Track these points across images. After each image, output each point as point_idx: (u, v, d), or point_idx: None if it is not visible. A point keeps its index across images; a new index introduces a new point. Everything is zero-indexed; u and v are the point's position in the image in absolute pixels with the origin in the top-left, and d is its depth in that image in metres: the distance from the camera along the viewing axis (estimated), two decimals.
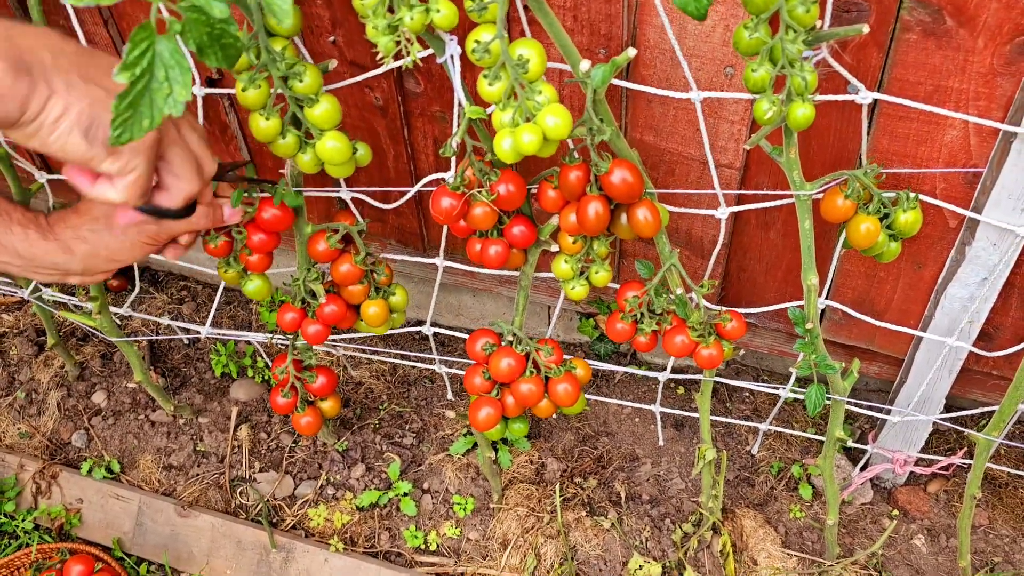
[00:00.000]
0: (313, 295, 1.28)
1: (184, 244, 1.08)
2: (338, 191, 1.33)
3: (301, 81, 1.00)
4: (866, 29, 0.88)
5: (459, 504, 1.61)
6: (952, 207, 1.13)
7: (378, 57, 0.94)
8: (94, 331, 1.96)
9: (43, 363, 1.91)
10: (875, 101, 1.07)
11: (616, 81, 1.08)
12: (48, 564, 1.63)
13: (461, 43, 0.99)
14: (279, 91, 1.03)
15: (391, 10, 0.89)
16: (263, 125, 1.04)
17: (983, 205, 1.09)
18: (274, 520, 1.66)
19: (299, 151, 1.09)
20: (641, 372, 1.47)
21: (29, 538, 1.69)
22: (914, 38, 1.05)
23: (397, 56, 0.93)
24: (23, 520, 1.71)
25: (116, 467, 1.75)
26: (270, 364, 1.86)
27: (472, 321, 1.90)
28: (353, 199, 1.44)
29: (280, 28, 0.96)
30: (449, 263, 1.39)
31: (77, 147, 0.81)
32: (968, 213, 1.12)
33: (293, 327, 1.31)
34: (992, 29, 1.00)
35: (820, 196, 1.12)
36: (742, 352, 1.57)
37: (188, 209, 0.99)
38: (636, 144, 1.30)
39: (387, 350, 1.86)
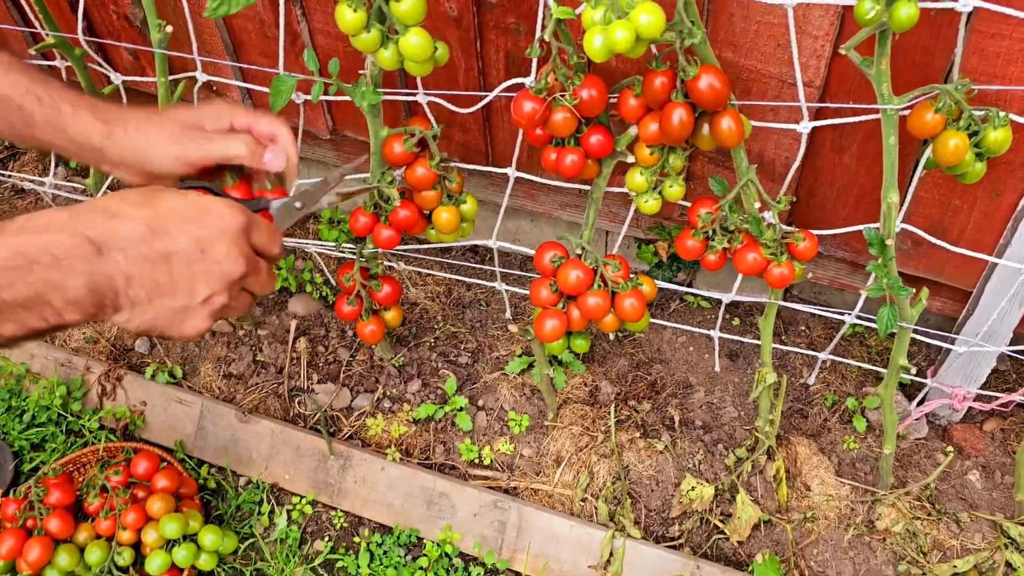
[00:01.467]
0: (387, 199, 1.29)
1: None
2: (415, 94, 1.33)
3: None
4: None
5: (514, 421, 1.64)
6: None
7: None
8: None
9: None
10: (972, 12, 1.04)
11: None
12: (114, 462, 1.68)
13: None
14: None
15: None
16: (349, 17, 1.04)
17: None
18: (331, 430, 1.69)
19: (381, 46, 1.10)
20: (702, 293, 1.47)
21: (95, 437, 1.75)
22: None
23: None
24: (89, 420, 1.76)
25: (179, 373, 1.79)
26: (328, 280, 1.89)
27: (530, 247, 1.90)
28: (420, 110, 1.44)
29: None
30: (520, 174, 1.39)
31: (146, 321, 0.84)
32: None
33: (365, 231, 1.32)
34: None
35: (905, 113, 1.10)
36: (809, 275, 1.56)
37: None
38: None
39: (445, 270, 1.87)
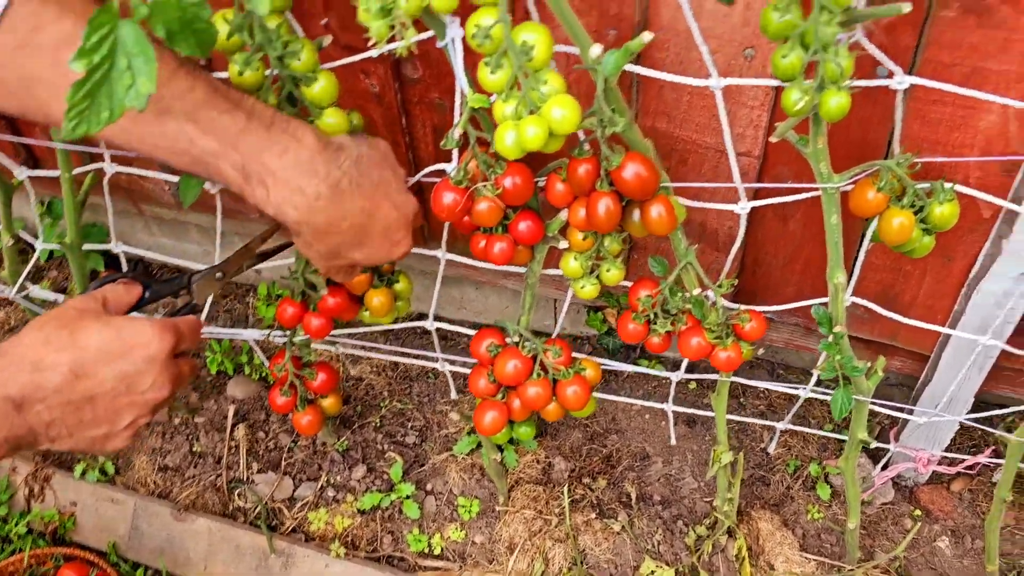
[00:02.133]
0: (313, 287, 1.22)
1: None
2: None
3: (298, 59, 0.94)
4: (907, 8, 0.80)
5: (464, 506, 1.55)
6: (989, 197, 1.06)
7: (370, 43, 0.87)
8: None
9: None
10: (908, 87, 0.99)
11: (628, 67, 1.00)
12: (42, 570, 1.58)
13: (464, 25, 0.91)
14: (275, 71, 0.97)
15: None
16: None
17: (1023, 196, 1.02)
18: (273, 523, 1.60)
19: None
20: (651, 371, 1.40)
21: (22, 543, 1.64)
22: (952, 15, 0.97)
23: (391, 41, 0.85)
24: (16, 524, 1.65)
25: (110, 469, 1.69)
26: (265, 361, 1.80)
27: (475, 314, 1.83)
28: None
29: (272, 5, 0.89)
30: (451, 256, 1.32)
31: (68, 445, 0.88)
32: (1007, 204, 1.04)
33: (293, 322, 1.25)
34: None
35: (847, 189, 1.05)
36: (760, 350, 1.50)
37: None
38: (648, 132, 1.22)
39: (388, 347, 1.79)
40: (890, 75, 0.91)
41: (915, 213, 1.00)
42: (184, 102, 0.84)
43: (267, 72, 0.99)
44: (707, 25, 1.06)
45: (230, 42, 0.94)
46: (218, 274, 1.09)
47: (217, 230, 1.39)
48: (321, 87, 0.99)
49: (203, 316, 1.20)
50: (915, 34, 1.00)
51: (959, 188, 1.04)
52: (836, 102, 0.80)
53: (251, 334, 1.56)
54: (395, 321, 1.35)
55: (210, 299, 1.26)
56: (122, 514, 1.63)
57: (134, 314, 0.98)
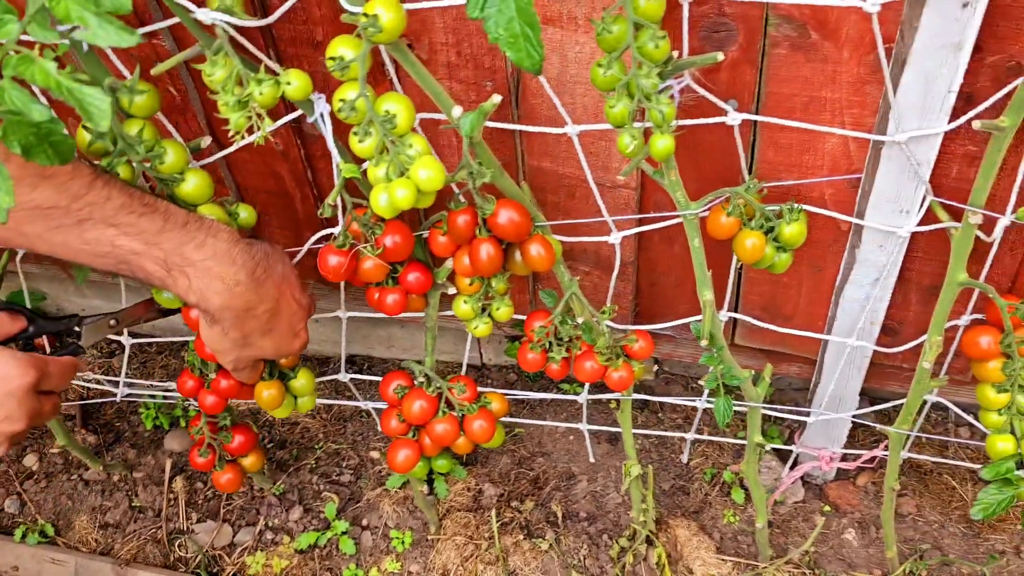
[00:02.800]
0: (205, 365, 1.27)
1: None
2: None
3: (162, 161, 0.99)
4: (720, 57, 0.89)
5: (397, 538, 1.61)
6: (837, 215, 1.15)
7: (230, 135, 0.93)
8: None
9: None
10: (757, 112, 1.08)
11: (491, 123, 1.08)
12: None
13: (329, 100, 0.99)
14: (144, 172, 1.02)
15: (241, 84, 0.89)
16: None
17: (864, 210, 1.12)
18: (214, 570, 1.64)
19: None
20: (557, 397, 1.48)
21: None
22: (783, 53, 1.06)
23: (250, 131, 0.92)
24: None
25: (50, 530, 1.72)
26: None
27: (404, 351, 1.90)
28: None
29: (134, 109, 0.95)
30: (352, 314, 1.38)
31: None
32: (852, 219, 1.14)
33: (192, 394, 1.29)
34: (855, 40, 1.03)
35: (705, 214, 1.13)
36: (656, 369, 1.58)
37: None
38: (534, 171, 1.30)
39: (322, 384, 1.85)
40: (723, 112, 1.00)
41: (767, 233, 1.09)
42: (103, 209, 0.90)
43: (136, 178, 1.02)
44: (573, 73, 1.15)
45: (92, 148, 0.98)
46: (112, 321, 1.12)
47: (122, 287, 1.44)
48: (194, 185, 1.03)
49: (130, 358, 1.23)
50: (755, 71, 1.10)
51: (812, 209, 1.14)
52: (663, 144, 0.89)
53: (169, 393, 1.60)
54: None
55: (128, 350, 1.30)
56: (64, 574, 1.66)
57: (8, 346, 1.02)
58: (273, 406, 1.27)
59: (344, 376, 1.46)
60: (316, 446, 1.80)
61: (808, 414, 1.46)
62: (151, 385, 1.84)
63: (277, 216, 1.50)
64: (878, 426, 1.34)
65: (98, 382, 1.82)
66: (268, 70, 0.91)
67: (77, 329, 1.09)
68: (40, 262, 1.55)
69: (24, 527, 1.72)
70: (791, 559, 1.50)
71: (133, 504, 1.74)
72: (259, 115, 0.87)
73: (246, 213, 1.11)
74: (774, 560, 1.50)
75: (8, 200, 0.70)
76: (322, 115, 0.98)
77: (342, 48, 0.90)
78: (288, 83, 0.89)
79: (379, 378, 1.70)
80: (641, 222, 1.28)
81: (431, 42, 1.17)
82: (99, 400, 1.89)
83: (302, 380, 1.30)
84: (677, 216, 1.13)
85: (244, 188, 1.47)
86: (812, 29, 1.04)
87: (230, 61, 0.86)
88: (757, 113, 1.12)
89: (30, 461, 1.82)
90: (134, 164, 0.98)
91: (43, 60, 0.67)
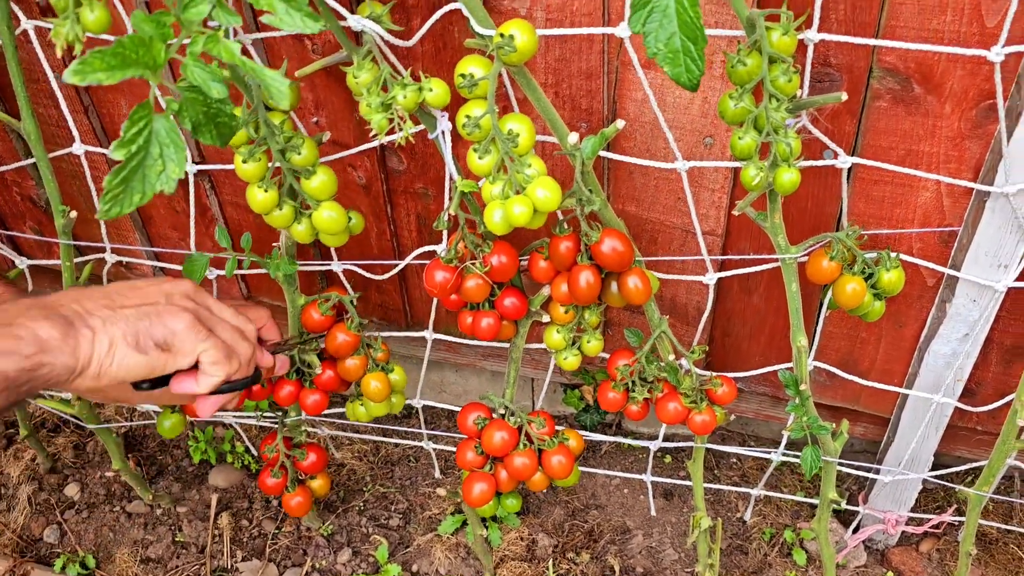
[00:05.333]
0: (308, 365, 1.27)
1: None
2: (329, 264, 1.33)
3: (299, 154, 1.02)
4: (844, 96, 0.91)
5: None
6: (930, 264, 1.16)
7: (371, 134, 0.96)
8: (65, 422, 1.91)
9: (13, 456, 1.84)
10: (851, 166, 1.10)
11: (603, 153, 1.10)
12: None
13: (451, 119, 1.01)
14: (276, 164, 1.04)
15: (385, 88, 0.91)
16: (260, 197, 1.05)
17: (961, 263, 1.13)
18: None
19: (294, 221, 1.10)
20: (629, 441, 1.46)
21: None
22: (884, 105, 1.09)
23: (389, 133, 0.95)
24: None
25: (91, 562, 1.68)
26: (249, 448, 1.83)
27: (455, 398, 1.89)
28: (335, 278, 1.44)
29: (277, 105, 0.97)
30: (438, 335, 1.38)
31: (137, 362, 0.86)
32: (947, 271, 1.15)
33: (290, 400, 1.29)
34: (958, 95, 1.05)
35: (803, 259, 1.15)
36: (732, 417, 1.57)
37: (256, 374, 1.00)
38: (619, 215, 1.31)
39: (369, 432, 1.83)
40: (835, 156, 1.02)
41: (865, 280, 1.10)
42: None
43: (269, 165, 1.07)
44: (669, 117, 1.17)
45: (236, 136, 1.03)
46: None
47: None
48: (320, 181, 1.07)
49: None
50: (855, 122, 1.12)
51: (905, 257, 1.15)
52: (788, 177, 0.90)
53: (236, 416, 1.59)
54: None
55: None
56: None
57: None
58: (380, 398, 1.29)
59: (418, 401, 1.45)
60: (364, 488, 1.77)
61: (879, 473, 1.44)
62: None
63: (348, 251, 1.51)
64: (957, 487, 1.32)
65: (145, 414, 1.80)
66: (413, 76, 0.93)
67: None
68: None
69: (64, 558, 1.68)
70: None
71: (176, 539, 1.71)
72: (401, 118, 0.89)
73: (355, 219, 1.13)
74: None
75: (179, 171, 0.72)
76: (443, 132, 1.00)
77: (472, 66, 0.92)
78: (430, 90, 0.92)
79: (429, 421, 1.69)
80: (724, 267, 1.29)
81: None
82: (144, 422, 1.88)
83: (397, 374, 1.32)
84: (772, 260, 1.15)
85: None
86: (916, 83, 1.06)
87: (375, 66, 0.89)
88: (854, 164, 1.15)
89: (72, 491, 1.79)
90: (272, 152, 1.00)
91: (228, 40, 0.69)
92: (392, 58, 1.01)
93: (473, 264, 1.10)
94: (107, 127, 1.43)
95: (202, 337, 0.90)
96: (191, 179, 1.36)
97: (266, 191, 1.07)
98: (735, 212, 1.00)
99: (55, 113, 1.41)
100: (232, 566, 1.66)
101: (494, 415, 1.27)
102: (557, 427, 1.30)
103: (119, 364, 0.84)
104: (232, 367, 0.93)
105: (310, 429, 1.63)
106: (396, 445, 1.84)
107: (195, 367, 0.91)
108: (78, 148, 1.32)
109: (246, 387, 0.97)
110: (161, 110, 0.78)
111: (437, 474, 1.62)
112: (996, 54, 0.89)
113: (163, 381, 0.91)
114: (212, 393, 0.93)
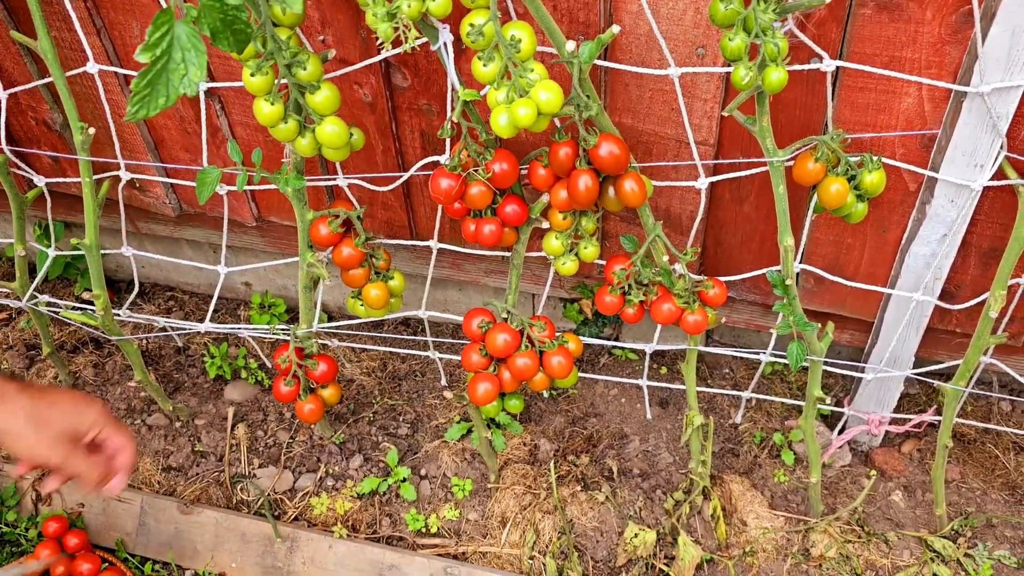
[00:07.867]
0: (316, 280, 1.33)
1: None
2: (335, 178, 1.38)
3: (304, 69, 1.07)
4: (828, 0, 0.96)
5: (457, 486, 1.66)
6: (911, 167, 1.22)
7: (378, 43, 1.01)
8: (84, 343, 1.98)
9: (36, 375, 1.92)
10: (837, 72, 1.15)
11: (598, 61, 1.15)
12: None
13: (452, 31, 1.06)
14: (283, 80, 1.09)
15: None
16: (267, 110, 1.10)
17: (940, 164, 1.18)
18: (276, 513, 1.69)
19: (299, 135, 1.15)
20: (625, 345, 1.54)
21: (32, 546, 1.71)
22: (869, 12, 1.13)
23: (395, 43, 0.99)
24: (25, 529, 1.72)
25: None
26: (265, 363, 1.91)
27: (459, 315, 1.95)
28: (342, 195, 1.50)
29: (284, 18, 1.02)
30: (443, 245, 1.44)
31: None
32: (927, 172, 1.20)
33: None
34: (938, 1, 1.10)
35: (791, 164, 1.20)
36: (723, 319, 1.64)
37: None
38: (616, 127, 1.36)
39: (377, 348, 1.91)
40: (820, 59, 1.07)
41: (849, 181, 1.16)
42: None
43: (276, 80, 1.11)
44: (663, 28, 1.22)
45: (246, 50, 1.07)
46: None
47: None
48: (324, 96, 1.11)
49: None
50: (840, 29, 1.17)
51: (887, 161, 1.21)
52: (776, 76, 0.96)
53: (250, 331, 1.66)
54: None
55: None
56: (129, 512, 1.71)
57: None
58: (379, 305, 1.38)
59: (424, 312, 1.53)
60: (373, 401, 1.86)
61: (863, 371, 1.52)
62: (219, 328, 1.90)
63: (356, 169, 1.57)
64: (935, 382, 1.40)
65: (163, 329, 1.88)
66: None
67: None
68: (111, 214, 1.62)
69: None
70: (841, 516, 1.56)
71: (196, 449, 1.80)
72: (406, 26, 0.94)
73: (356, 135, 1.18)
74: (825, 516, 1.55)
75: (200, 75, 0.77)
76: (445, 44, 1.05)
77: None
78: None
79: (435, 336, 1.75)
80: (717, 172, 1.34)
81: None
82: (164, 334, 1.95)
83: (396, 280, 1.41)
84: (761, 164, 1.20)
85: None
86: None
87: None
88: (839, 71, 1.19)
89: None
90: (279, 67, 1.05)
91: None
92: None
93: (476, 171, 1.15)
94: (119, 49, 1.47)
95: None
96: (202, 97, 1.41)
97: (272, 104, 1.11)
98: (724, 113, 1.05)
99: (68, 36, 1.45)
100: (250, 472, 1.75)
101: (497, 320, 1.34)
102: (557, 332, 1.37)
103: None
104: None
105: (321, 342, 1.70)
106: (403, 360, 1.92)
107: None
108: (92, 67, 1.37)
109: None
110: (180, 17, 0.83)
111: (443, 382, 1.70)
112: None
113: None
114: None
